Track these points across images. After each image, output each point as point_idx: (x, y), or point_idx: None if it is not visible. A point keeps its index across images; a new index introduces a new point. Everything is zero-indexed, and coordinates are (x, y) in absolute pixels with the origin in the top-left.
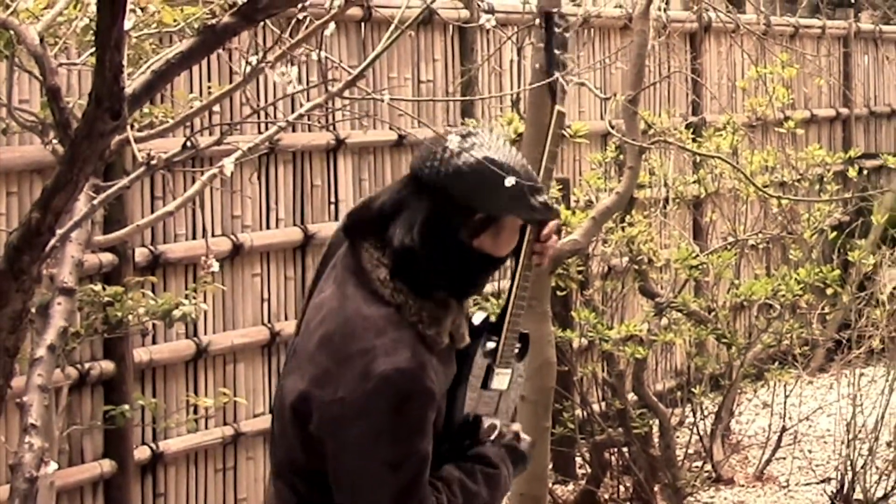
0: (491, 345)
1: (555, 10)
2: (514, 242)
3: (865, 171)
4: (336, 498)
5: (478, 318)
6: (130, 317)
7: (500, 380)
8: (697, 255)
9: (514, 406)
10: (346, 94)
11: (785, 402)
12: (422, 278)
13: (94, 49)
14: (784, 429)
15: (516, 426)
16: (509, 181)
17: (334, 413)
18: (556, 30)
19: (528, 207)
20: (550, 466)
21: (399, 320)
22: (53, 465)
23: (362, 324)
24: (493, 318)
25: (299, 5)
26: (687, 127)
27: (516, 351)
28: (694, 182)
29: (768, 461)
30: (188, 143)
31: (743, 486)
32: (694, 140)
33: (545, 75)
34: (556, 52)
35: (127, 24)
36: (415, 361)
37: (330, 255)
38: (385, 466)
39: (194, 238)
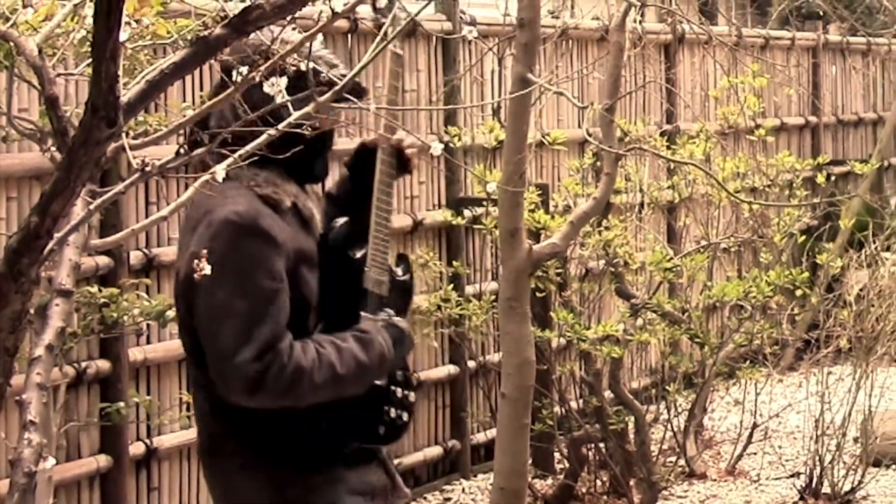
0: (361, 252)
1: None
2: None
3: (833, 178)
4: (205, 351)
5: (340, 220)
6: (125, 317)
7: (376, 283)
8: (671, 258)
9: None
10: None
11: (756, 400)
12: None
13: (90, 60)
14: (755, 425)
15: (389, 316)
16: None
17: (188, 269)
18: None
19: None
20: (530, 461)
21: (238, 186)
22: (51, 461)
23: (204, 197)
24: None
25: (288, 17)
26: (661, 135)
27: (392, 263)
28: (668, 188)
29: (740, 456)
30: (181, 151)
31: (715, 480)
32: (668, 147)
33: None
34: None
35: (122, 36)
36: (252, 208)
37: None
38: (233, 297)
39: None
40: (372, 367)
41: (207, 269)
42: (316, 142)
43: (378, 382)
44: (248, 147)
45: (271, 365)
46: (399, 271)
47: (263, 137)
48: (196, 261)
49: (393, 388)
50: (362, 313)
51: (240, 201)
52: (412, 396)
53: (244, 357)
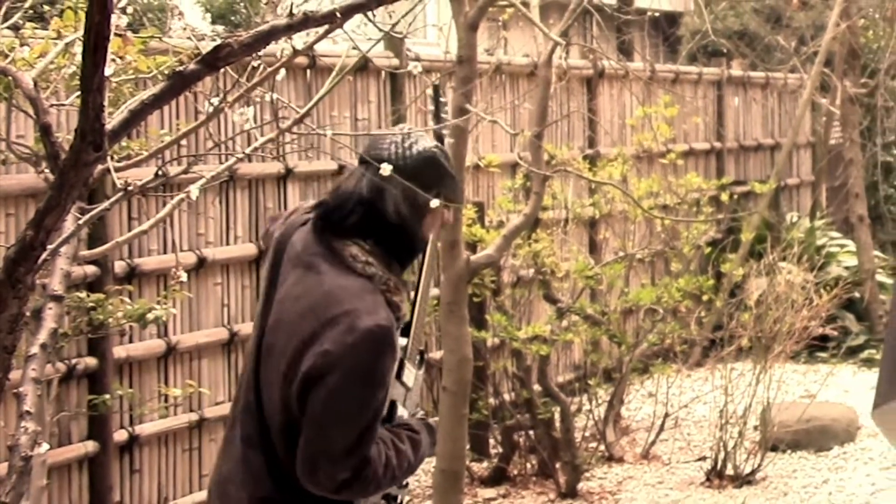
0: (403, 341)
1: (437, 83)
2: (435, 227)
3: (736, 196)
4: (305, 437)
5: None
6: (111, 320)
7: (409, 375)
8: (593, 267)
9: (418, 405)
10: (295, 129)
11: (667, 392)
12: (394, 252)
13: (79, 92)
14: (666, 415)
15: (421, 412)
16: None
17: (319, 364)
18: (441, 99)
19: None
20: (468, 447)
21: (373, 289)
22: (45, 446)
23: (342, 292)
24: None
25: (254, 54)
26: (584, 158)
27: (419, 356)
28: (590, 205)
29: (653, 442)
30: (159, 172)
31: (631, 463)
32: (590, 169)
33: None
34: (442, 113)
35: (108, 71)
36: (390, 321)
37: (278, 260)
38: (355, 407)
39: (165, 253)
40: (414, 467)
41: (183, 277)
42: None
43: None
44: (219, 169)
45: (360, 473)
46: (422, 374)
47: (232, 160)
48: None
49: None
50: (399, 406)
51: (380, 310)
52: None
53: (343, 465)
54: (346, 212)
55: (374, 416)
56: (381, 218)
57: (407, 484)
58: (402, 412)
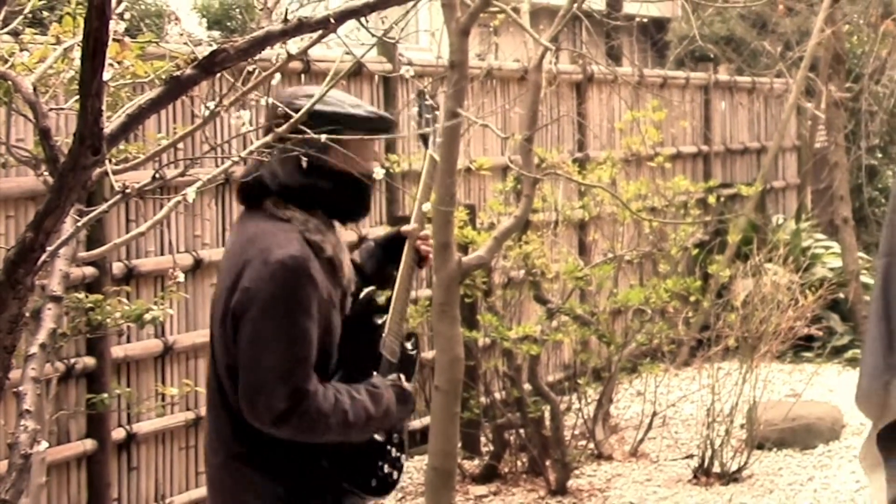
0: (381, 319)
1: (423, 89)
2: (364, 157)
3: (722, 199)
4: (241, 373)
5: (368, 289)
6: (109, 320)
7: (390, 349)
8: (582, 269)
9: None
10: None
11: (655, 391)
12: (307, 198)
13: (78, 96)
14: (654, 413)
15: (404, 383)
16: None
17: (241, 300)
18: (426, 102)
19: (357, 119)
20: (459, 445)
21: (289, 228)
22: (44, 444)
23: (260, 234)
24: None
25: (249, 59)
26: (574, 161)
27: (404, 335)
28: (579, 207)
29: (641, 440)
30: (157, 175)
31: (620, 461)
32: (579, 172)
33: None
34: (427, 116)
35: (106, 76)
36: (304, 253)
37: None
38: (279, 336)
39: (162, 254)
40: (377, 420)
41: (180, 278)
42: (359, 188)
43: (378, 438)
44: (216, 172)
45: (298, 405)
46: (409, 345)
47: (228, 163)
48: (247, 296)
49: (389, 446)
50: (375, 373)
51: (294, 245)
52: (404, 458)
53: (277, 393)
54: (260, 175)
55: (299, 345)
56: (293, 173)
57: (404, 447)
58: (376, 380)
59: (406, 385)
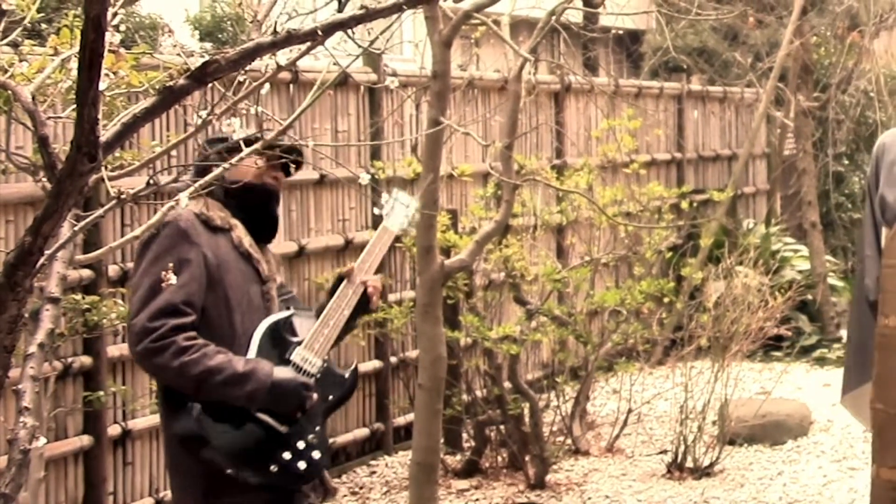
0: (300, 338)
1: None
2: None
3: (695, 204)
4: None
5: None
6: (105, 321)
7: (303, 359)
8: (560, 271)
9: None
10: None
11: (630, 389)
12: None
13: (75, 105)
14: (630, 410)
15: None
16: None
17: (136, 252)
18: (397, 199)
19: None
20: (442, 441)
21: (189, 211)
22: (43, 440)
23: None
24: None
25: (240, 70)
26: (552, 168)
27: (329, 358)
28: (557, 212)
29: (617, 437)
30: (151, 181)
31: (596, 456)
32: (557, 178)
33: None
34: (401, 204)
35: (102, 86)
36: (191, 221)
37: None
38: (143, 279)
39: None
40: (216, 385)
41: (173, 280)
42: (263, 199)
43: (280, 429)
44: (208, 178)
45: (158, 330)
46: (345, 373)
47: (220, 170)
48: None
49: (295, 439)
50: (275, 367)
51: (185, 215)
52: (316, 455)
53: (140, 318)
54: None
55: (160, 280)
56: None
57: (323, 447)
58: (279, 372)
59: (290, 382)
